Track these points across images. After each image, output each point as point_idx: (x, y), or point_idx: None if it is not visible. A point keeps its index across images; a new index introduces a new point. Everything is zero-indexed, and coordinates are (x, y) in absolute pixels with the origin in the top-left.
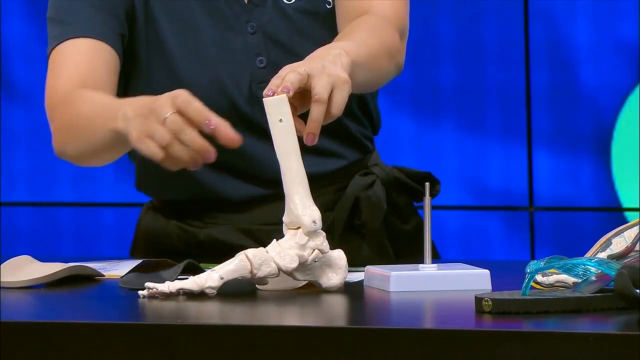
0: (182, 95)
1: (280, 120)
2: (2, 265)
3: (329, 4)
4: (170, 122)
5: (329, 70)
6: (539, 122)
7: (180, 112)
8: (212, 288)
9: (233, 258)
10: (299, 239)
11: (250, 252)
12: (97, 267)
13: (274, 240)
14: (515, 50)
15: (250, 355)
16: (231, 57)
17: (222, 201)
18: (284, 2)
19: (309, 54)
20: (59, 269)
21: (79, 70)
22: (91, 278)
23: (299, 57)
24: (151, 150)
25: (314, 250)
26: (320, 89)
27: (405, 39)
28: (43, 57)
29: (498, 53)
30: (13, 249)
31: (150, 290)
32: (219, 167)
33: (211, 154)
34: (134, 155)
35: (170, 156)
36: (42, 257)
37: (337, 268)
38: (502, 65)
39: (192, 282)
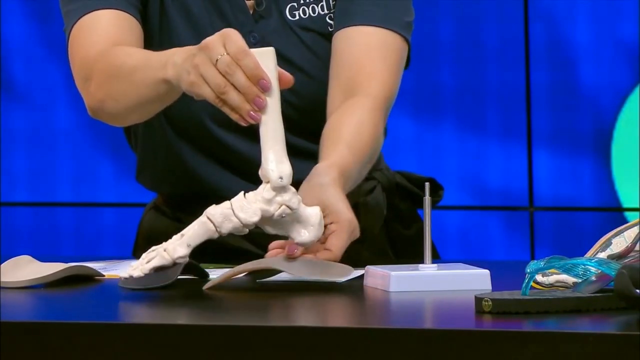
0: (233, 38)
1: None
2: (2, 265)
3: (331, 26)
4: (221, 64)
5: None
6: (539, 122)
7: (234, 59)
8: (182, 257)
9: (195, 221)
10: (266, 193)
11: (211, 210)
12: (97, 267)
13: (241, 192)
14: (515, 50)
15: (250, 355)
16: None
17: (219, 199)
18: (288, 17)
19: (314, 69)
20: (59, 269)
21: (110, 35)
22: (91, 278)
23: (301, 70)
24: (206, 94)
25: (281, 205)
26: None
27: (389, 111)
28: (43, 57)
29: (498, 53)
30: (13, 249)
31: (125, 279)
32: (219, 164)
33: (262, 101)
34: (134, 143)
35: (225, 103)
36: (42, 257)
37: (309, 225)
38: (502, 65)
39: (161, 258)
